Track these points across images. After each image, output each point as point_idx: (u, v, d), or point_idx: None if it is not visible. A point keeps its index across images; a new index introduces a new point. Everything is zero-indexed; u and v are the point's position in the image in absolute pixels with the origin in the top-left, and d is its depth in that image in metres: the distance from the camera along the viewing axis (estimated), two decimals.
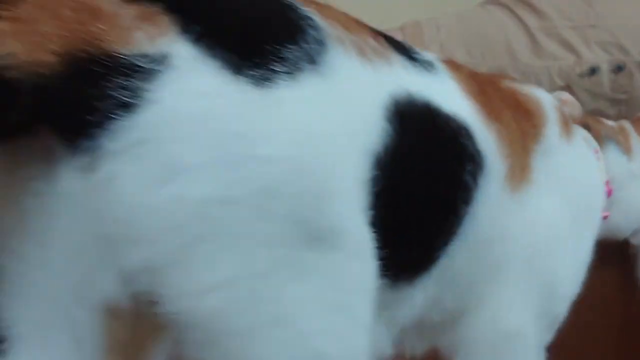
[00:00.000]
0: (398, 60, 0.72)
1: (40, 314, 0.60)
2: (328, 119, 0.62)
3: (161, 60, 0.55)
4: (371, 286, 0.65)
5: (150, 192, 0.55)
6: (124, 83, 0.54)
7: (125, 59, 0.54)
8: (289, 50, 0.60)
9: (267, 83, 0.58)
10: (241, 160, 0.56)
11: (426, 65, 0.76)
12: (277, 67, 0.59)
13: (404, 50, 0.75)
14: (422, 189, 0.70)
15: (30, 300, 0.60)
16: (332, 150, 0.62)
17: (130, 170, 0.55)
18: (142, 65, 0.54)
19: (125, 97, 0.54)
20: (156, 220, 0.56)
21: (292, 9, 0.64)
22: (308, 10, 0.65)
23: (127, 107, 0.54)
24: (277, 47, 0.60)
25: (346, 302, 0.64)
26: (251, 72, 0.58)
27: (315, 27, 0.64)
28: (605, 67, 1.52)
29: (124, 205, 0.55)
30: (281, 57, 0.60)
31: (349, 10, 0.75)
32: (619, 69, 1.51)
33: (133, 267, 0.57)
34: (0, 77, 0.51)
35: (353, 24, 0.71)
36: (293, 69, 0.60)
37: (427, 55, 0.79)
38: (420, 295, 0.75)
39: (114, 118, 0.54)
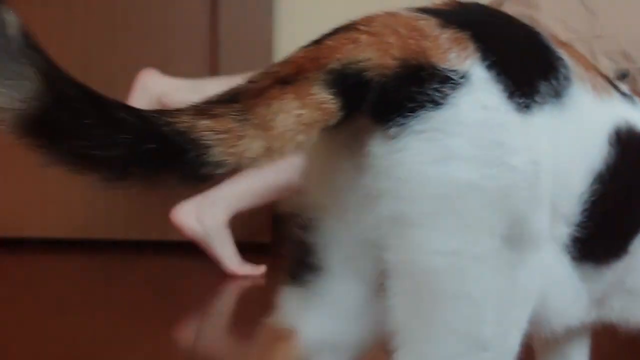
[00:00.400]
0: (616, 95, 0.88)
1: (344, 255, 0.79)
2: (562, 144, 0.78)
3: (465, 75, 0.73)
4: (534, 295, 0.78)
5: (429, 165, 0.72)
6: (438, 87, 0.72)
7: (443, 71, 0.73)
8: (545, 85, 0.77)
9: (526, 109, 0.75)
10: (496, 162, 0.73)
11: (630, 99, 0.91)
12: (536, 98, 0.76)
13: (615, 87, 0.90)
14: (633, 198, 0.87)
15: (336, 244, 0.79)
16: (562, 173, 0.77)
17: (421, 145, 0.72)
18: (452, 77, 0.73)
19: (435, 97, 0.72)
20: (425, 187, 0.72)
21: (551, 51, 0.81)
22: (561, 52, 0.81)
23: (435, 103, 0.72)
24: (539, 82, 0.77)
25: (518, 304, 0.76)
26: (519, 100, 0.75)
27: (565, 67, 0.80)
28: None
29: (406, 169, 0.72)
30: (539, 90, 0.77)
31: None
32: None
33: (388, 215, 0.73)
34: (361, 77, 0.71)
35: (588, 64, 0.85)
36: (545, 101, 0.77)
37: (623, 87, 0.93)
38: (611, 275, 0.88)
39: (424, 109, 0.72)
